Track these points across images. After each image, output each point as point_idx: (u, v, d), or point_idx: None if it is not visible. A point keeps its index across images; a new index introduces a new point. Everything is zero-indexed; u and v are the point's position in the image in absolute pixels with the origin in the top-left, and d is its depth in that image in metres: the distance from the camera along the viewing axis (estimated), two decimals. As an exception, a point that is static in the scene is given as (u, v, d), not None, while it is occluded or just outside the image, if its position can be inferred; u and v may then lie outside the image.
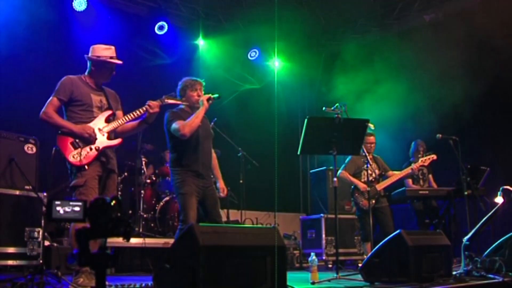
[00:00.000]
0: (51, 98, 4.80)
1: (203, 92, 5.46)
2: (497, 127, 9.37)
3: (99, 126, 4.84)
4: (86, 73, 5.04)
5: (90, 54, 5.03)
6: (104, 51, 5.00)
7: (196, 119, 5.21)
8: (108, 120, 4.92)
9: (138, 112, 4.97)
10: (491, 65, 8.99)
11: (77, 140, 4.70)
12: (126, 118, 4.97)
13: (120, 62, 5.04)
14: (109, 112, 4.96)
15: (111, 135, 4.93)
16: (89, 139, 4.71)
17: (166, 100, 5.20)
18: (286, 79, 12.05)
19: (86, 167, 4.65)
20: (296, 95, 12.52)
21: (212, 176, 5.69)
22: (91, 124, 4.81)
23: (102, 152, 4.81)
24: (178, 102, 5.38)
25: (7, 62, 7.88)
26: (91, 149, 4.71)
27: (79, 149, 4.67)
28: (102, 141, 4.79)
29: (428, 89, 9.76)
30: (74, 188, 4.70)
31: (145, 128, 5.39)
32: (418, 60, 9.94)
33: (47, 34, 8.44)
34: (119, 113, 5.08)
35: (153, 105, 4.95)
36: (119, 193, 7.97)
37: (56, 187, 7.13)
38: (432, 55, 9.78)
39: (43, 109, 4.77)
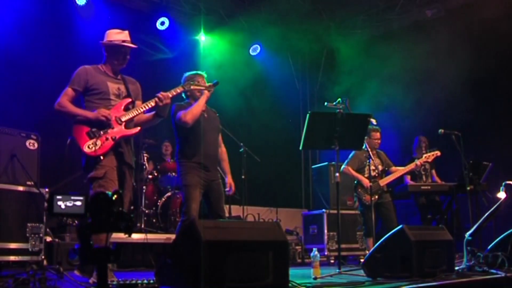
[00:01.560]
0: (65, 88, 4.65)
1: (206, 84, 5.47)
2: (500, 122, 9.35)
3: (117, 114, 4.61)
4: (103, 62, 4.87)
5: (104, 40, 4.86)
6: (117, 35, 4.82)
7: (197, 106, 5.27)
8: (126, 108, 4.71)
9: (149, 104, 4.74)
10: (493, 59, 8.97)
11: (93, 130, 4.48)
12: (140, 109, 4.73)
13: (133, 46, 4.83)
14: (128, 100, 4.75)
15: (129, 124, 4.69)
16: (105, 123, 4.49)
17: (191, 87, 5.17)
18: (288, 74, 12.04)
19: (101, 157, 4.44)
20: (298, 90, 12.51)
21: (219, 170, 5.70)
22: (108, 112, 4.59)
23: (118, 142, 4.58)
24: (202, 88, 5.32)
25: (9, 59, 7.87)
26: (107, 138, 4.48)
27: (95, 139, 4.45)
28: (119, 130, 4.57)
29: (429, 84, 9.73)
30: (92, 180, 4.48)
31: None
32: (419, 55, 9.91)
33: (49, 29, 8.43)
34: (138, 103, 4.84)
35: (163, 97, 4.73)
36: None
37: (59, 182, 7.13)
38: (433, 50, 9.75)
39: (57, 100, 4.59)
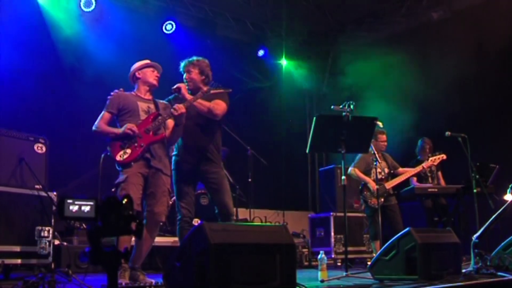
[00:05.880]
0: (102, 113, 5.06)
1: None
2: (507, 124, 9.33)
3: (145, 126, 4.99)
4: (134, 90, 5.30)
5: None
6: (140, 62, 5.28)
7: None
8: (154, 120, 5.06)
9: (166, 117, 5.12)
10: (499, 60, 8.95)
11: (124, 141, 4.89)
12: (164, 118, 5.11)
13: (156, 64, 5.27)
14: (155, 113, 5.12)
15: (158, 132, 5.05)
16: (132, 135, 4.88)
17: (211, 91, 5.32)
18: (294, 77, 12.06)
19: (132, 163, 4.85)
20: (304, 94, 12.52)
21: (216, 165, 5.56)
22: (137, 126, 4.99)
23: (147, 149, 4.94)
24: (221, 91, 5.40)
25: (17, 64, 7.92)
26: (135, 147, 4.88)
27: (125, 149, 4.88)
28: (146, 138, 4.95)
29: (436, 86, 9.73)
30: (117, 186, 4.87)
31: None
32: (425, 57, 9.90)
33: (55, 35, 8.47)
34: (170, 121, 5.18)
35: (178, 108, 5.00)
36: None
37: (67, 186, 7.17)
38: (440, 52, 9.74)
39: (95, 123, 5.00)
